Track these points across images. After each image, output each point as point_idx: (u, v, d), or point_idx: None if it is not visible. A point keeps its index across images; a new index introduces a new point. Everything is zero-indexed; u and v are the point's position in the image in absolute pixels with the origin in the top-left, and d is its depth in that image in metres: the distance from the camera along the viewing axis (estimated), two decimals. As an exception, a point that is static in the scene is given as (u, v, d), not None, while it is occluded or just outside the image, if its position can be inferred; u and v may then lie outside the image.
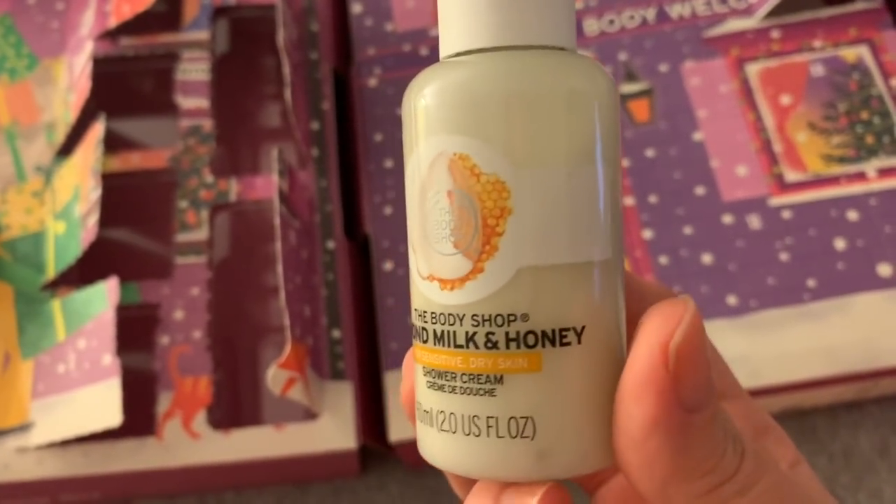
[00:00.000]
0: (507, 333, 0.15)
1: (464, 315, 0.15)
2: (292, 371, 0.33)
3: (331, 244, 0.40)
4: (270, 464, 0.36)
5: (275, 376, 0.33)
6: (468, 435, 0.15)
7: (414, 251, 0.16)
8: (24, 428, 0.36)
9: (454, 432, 0.15)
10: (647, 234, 0.38)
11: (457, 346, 0.15)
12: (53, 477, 0.35)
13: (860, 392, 0.37)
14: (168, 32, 0.45)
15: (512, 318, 0.15)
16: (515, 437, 0.15)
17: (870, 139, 0.39)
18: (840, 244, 0.37)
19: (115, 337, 0.34)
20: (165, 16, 0.45)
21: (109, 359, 0.34)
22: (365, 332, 0.40)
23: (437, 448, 0.16)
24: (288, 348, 0.33)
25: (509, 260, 0.15)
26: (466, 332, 0.15)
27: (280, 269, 0.34)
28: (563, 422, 0.15)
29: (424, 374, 0.16)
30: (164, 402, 0.36)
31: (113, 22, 0.42)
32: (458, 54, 0.16)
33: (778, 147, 0.39)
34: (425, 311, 0.16)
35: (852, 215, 0.37)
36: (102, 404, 0.33)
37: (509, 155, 0.14)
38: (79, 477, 0.35)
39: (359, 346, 0.38)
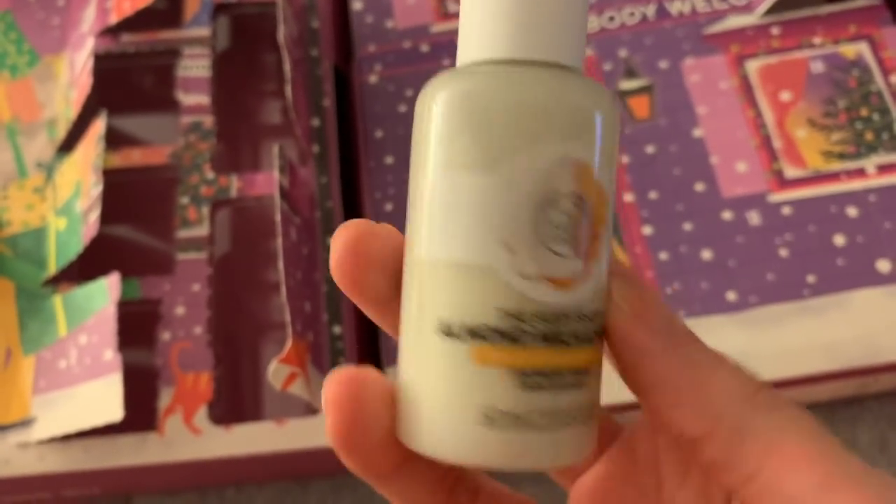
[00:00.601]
0: (595, 330, 0.16)
1: (570, 314, 0.16)
2: (293, 366, 0.33)
3: (331, 240, 0.40)
4: (271, 459, 0.36)
5: (276, 371, 0.33)
6: (583, 424, 0.17)
7: (511, 251, 0.16)
8: (25, 423, 0.36)
9: (558, 431, 0.16)
10: (647, 230, 0.38)
11: (562, 343, 0.16)
12: (55, 472, 0.35)
13: (859, 388, 0.38)
14: (169, 29, 0.45)
15: (597, 314, 0.16)
16: None
17: (869, 136, 0.39)
18: (839, 240, 0.37)
19: (117, 332, 0.34)
20: (166, 12, 0.45)
21: (111, 354, 0.34)
22: (365, 329, 0.40)
23: (545, 451, 0.16)
24: (289, 344, 0.33)
25: (603, 262, 0.16)
26: (573, 331, 0.16)
27: (281, 265, 0.34)
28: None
29: (517, 377, 0.16)
30: (165, 398, 0.36)
31: (114, 18, 0.42)
32: (509, 62, 0.16)
33: (777, 143, 0.39)
34: (523, 311, 0.16)
35: (852, 211, 0.38)
36: (104, 400, 0.34)
37: (604, 165, 0.16)
38: (80, 472, 0.35)
39: (359, 343, 0.38)
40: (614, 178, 0.17)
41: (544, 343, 0.16)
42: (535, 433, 0.16)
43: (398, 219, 0.40)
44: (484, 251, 0.16)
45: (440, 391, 0.16)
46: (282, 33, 0.40)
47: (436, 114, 0.16)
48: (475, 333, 0.16)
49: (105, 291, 0.36)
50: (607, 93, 0.16)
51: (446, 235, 0.16)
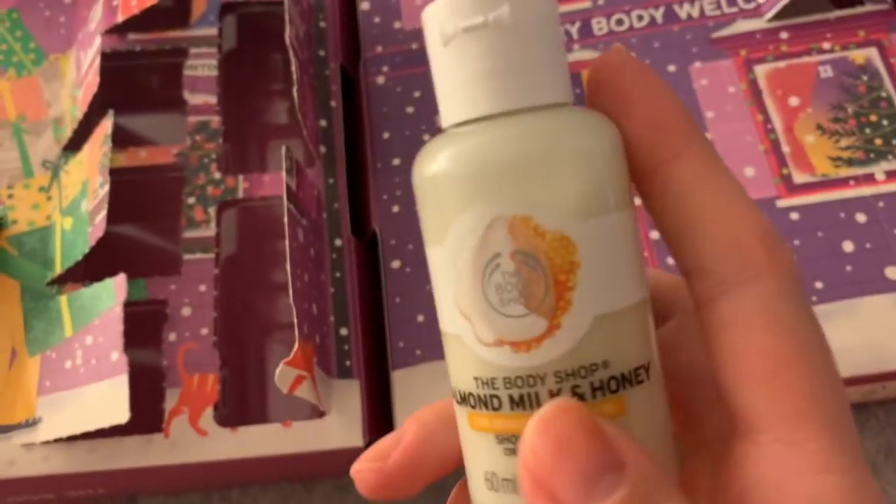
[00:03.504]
0: (591, 383, 0.15)
1: (545, 374, 0.15)
2: (300, 369, 0.33)
3: (338, 242, 0.40)
4: (277, 461, 0.36)
5: (282, 374, 0.32)
6: None
7: (465, 318, 0.15)
8: (30, 424, 0.36)
9: None
10: (655, 234, 0.38)
11: (540, 406, 0.15)
12: (60, 473, 0.35)
13: (866, 395, 0.37)
14: (176, 28, 0.44)
15: (594, 367, 0.15)
16: None
17: (878, 142, 0.39)
18: (848, 246, 0.37)
19: (123, 333, 0.34)
20: (173, 11, 0.45)
21: (117, 355, 0.34)
22: (372, 331, 0.40)
23: None
24: (296, 347, 0.33)
25: (585, 311, 0.15)
26: (550, 391, 0.15)
27: (288, 266, 0.34)
28: (648, 451, 0.15)
29: (500, 443, 0.15)
30: (171, 399, 0.36)
31: (120, 17, 0.42)
32: (478, 119, 0.16)
33: (786, 148, 0.39)
34: (494, 378, 0.15)
35: (861, 217, 0.38)
36: (110, 401, 0.33)
37: (569, 210, 0.15)
38: (85, 473, 0.35)
39: (366, 345, 0.38)
40: (613, 203, 0.15)
41: (516, 408, 0.15)
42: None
43: (405, 220, 0.40)
44: (453, 321, 0.16)
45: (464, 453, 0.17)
46: (288, 33, 0.39)
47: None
48: (465, 400, 0.16)
49: (112, 292, 0.35)
50: (574, 123, 0.15)
51: (437, 308, 0.17)
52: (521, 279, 0.15)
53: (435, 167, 0.16)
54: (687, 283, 0.16)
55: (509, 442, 0.15)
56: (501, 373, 0.15)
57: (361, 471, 0.18)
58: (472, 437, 0.16)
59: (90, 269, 0.38)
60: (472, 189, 0.15)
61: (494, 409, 0.15)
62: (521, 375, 0.15)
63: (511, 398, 0.15)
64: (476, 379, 0.16)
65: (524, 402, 0.15)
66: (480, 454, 0.16)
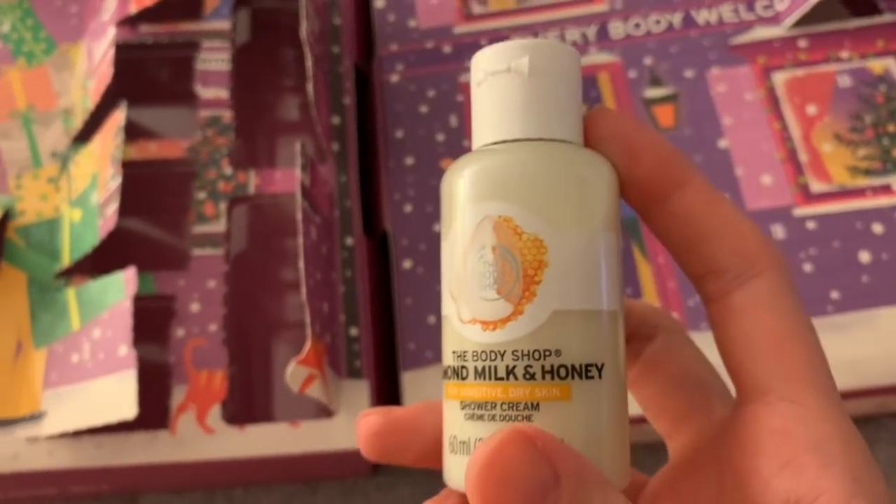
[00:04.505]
0: (542, 366, 0.17)
1: (504, 351, 0.17)
2: (311, 368, 0.32)
3: (349, 241, 0.39)
4: (284, 460, 0.35)
5: (294, 373, 0.32)
6: None
7: (454, 300, 0.18)
8: (35, 417, 0.35)
9: None
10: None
11: (497, 379, 0.17)
12: (64, 468, 0.34)
13: (879, 406, 0.37)
14: (188, 21, 0.44)
15: (547, 353, 0.17)
16: None
17: (896, 152, 0.39)
18: (865, 257, 0.37)
19: (132, 328, 0.34)
20: (186, 4, 0.44)
21: (125, 350, 0.34)
22: (382, 331, 0.39)
23: None
24: (308, 345, 0.32)
25: (545, 304, 0.17)
26: (507, 366, 0.17)
27: (302, 263, 0.33)
28: (588, 444, 0.17)
29: (462, 409, 0.18)
30: (178, 396, 0.36)
31: (133, 8, 0.42)
32: (494, 143, 0.19)
33: (803, 157, 0.39)
34: (465, 351, 0.18)
35: (878, 228, 0.37)
36: (117, 396, 0.33)
37: (545, 218, 0.17)
38: (89, 468, 0.35)
39: (376, 345, 0.38)
40: (592, 222, 0.18)
41: (479, 378, 0.18)
42: None
43: (417, 220, 0.40)
44: (446, 304, 0.19)
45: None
46: (304, 29, 0.39)
47: None
48: (445, 373, 0.19)
49: (121, 285, 0.35)
50: (574, 160, 0.18)
51: (442, 295, 0.19)
52: (497, 269, 0.17)
53: (455, 175, 0.19)
54: (698, 287, 0.19)
55: (469, 408, 0.18)
56: (471, 347, 0.18)
57: (369, 414, 0.20)
58: (446, 407, 0.19)
59: (97, 262, 0.38)
60: (474, 193, 0.18)
61: (462, 378, 0.18)
62: (486, 350, 0.18)
63: (476, 369, 0.18)
64: (454, 353, 0.18)
65: (485, 373, 0.17)
66: (449, 420, 0.19)
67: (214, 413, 0.35)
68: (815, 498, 0.16)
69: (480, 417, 0.17)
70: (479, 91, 0.19)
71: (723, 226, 0.18)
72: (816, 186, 0.38)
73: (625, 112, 0.19)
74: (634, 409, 0.21)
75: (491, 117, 0.19)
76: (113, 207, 0.35)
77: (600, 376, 0.18)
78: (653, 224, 0.19)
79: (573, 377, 0.17)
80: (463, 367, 0.18)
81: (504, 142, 0.19)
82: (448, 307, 0.19)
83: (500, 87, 0.19)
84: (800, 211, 0.38)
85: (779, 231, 0.38)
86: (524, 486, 0.15)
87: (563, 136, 0.19)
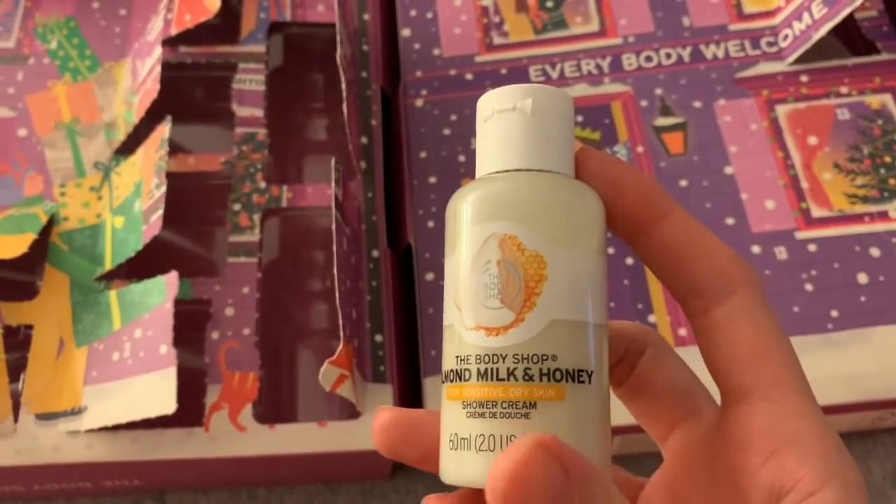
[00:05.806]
0: (540, 369, 0.19)
1: (506, 355, 0.19)
2: (343, 369, 0.34)
3: (375, 253, 0.42)
4: (311, 458, 0.37)
5: (327, 373, 0.34)
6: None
7: (459, 309, 0.20)
8: (76, 412, 0.37)
9: (493, 450, 0.19)
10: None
11: (499, 380, 0.19)
12: (101, 461, 0.36)
13: (875, 421, 0.39)
14: (225, 44, 0.47)
15: (545, 357, 0.19)
16: None
17: (892, 181, 0.41)
18: (862, 278, 0.39)
19: (173, 328, 0.36)
20: (223, 28, 0.47)
21: (166, 349, 0.36)
22: (406, 339, 0.41)
23: (475, 468, 0.19)
24: (340, 346, 0.34)
25: (544, 313, 0.19)
26: (508, 368, 0.19)
27: (335, 271, 0.36)
28: (578, 441, 0.19)
29: (464, 408, 0.20)
30: (212, 395, 0.37)
31: (174, 31, 0.44)
32: (497, 172, 0.21)
33: (805, 184, 0.42)
34: (468, 355, 0.20)
35: (875, 252, 0.40)
36: (158, 392, 0.35)
37: (544, 238, 0.20)
38: (125, 462, 0.36)
39: (399, 352, 0.40)
40: (584, 244, 0.20)
41: (481, 379, 0.19)
42: (485, 454, 0.19)
43: (439, 235, 0.42)
44: (450, 314, 0.21)
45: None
46: (339, 54, 0.42)
47: None
48: (446, 376, 0.20)
49: (163, 288, 0.37)
50: (568, 189, 0.20)
51: (444, 306, 0.21)
52: (501, 280, 0.20)
53: (460, 200, 0.21)
54: (682, 305, 0.21)
55: (471, 407, 0.19)
56: (475, 351, 0.20)
57: (384, 410, 0.22)
58: (445, 408, 0.20)
59: (134, 267, 0.40)
60: (481, 213, 0.20)
61: (465, 380, 0.20)
62: (489, 353, 0.19)
63: (478, 371, 0.19)
64: (457, 357, 0.20)
65: (487, 375, 0.19)
66: (449, 420, 0.20)
67: (246, 412, 0.37)
68: (795, 484, 0.18)
69: (482, 415, 0.19)
70: (486, 126, 0.21)
71: (701, 251, 0.21)
72: (817, 212, 0.41)
73: (609, 154, 0.22)
74: (622, 419, 0.24)
75: (496, 149, 0.21)
76: (158, 214, 0.37)
77: (589, 381, 0.20)
78: (639, 251, 0.22)
79: (567, 380, 0.19)
80: (466, 369, 0.20)
81: (507, 171, 0.21)
82: (451, 316, 0.20)
83: (505, 124, 0.21)
84: (801, 234, 0.40)
85: (782, 253, 0.40)
86: (544, 493, 0.17)
87: (559, 169, 0.21)
